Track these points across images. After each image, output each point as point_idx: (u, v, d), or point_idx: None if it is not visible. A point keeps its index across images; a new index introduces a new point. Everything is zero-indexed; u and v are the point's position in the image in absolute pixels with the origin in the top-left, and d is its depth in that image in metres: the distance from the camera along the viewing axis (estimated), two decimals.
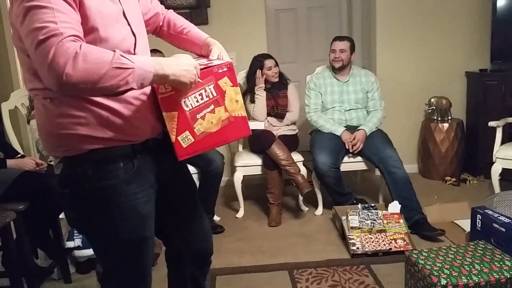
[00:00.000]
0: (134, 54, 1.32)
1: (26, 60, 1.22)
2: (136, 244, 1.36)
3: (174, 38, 1.62)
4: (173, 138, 1.33)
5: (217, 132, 1.38)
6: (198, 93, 1.33)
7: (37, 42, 1.08)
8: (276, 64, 3.52)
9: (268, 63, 3.50)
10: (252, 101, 3.48)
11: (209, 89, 1.34)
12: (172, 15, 1.62)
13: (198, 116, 1.34)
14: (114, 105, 1.26)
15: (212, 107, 1.36)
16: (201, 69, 1.32)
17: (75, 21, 1.14)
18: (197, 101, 1.34)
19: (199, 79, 1.31)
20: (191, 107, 1.33)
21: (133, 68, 1.14)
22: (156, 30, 1.63)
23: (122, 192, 1.30)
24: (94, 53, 1.10)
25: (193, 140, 1.35)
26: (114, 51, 1.14)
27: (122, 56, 1.13)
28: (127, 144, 1.31)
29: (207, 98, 1.35)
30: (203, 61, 1.47)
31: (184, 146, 1.34)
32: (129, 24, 1.32)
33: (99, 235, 1.36)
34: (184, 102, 1.32)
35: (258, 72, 3.46)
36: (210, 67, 1.35)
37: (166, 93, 1.30)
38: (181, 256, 1.60)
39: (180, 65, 1.24)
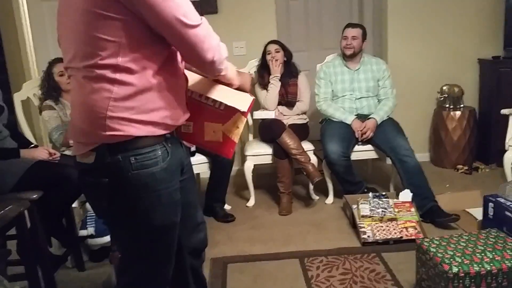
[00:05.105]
0: None
1: (94, 32, 1.20)
2: (169, 229, 1.42)
3: None
4: (236, 139, 1.51)
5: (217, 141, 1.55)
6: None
7: (194, 24, 1.22)
8: (283, 50, 3.47)
9: (269, 47, 3.48)
10: (264, 88, 3.47)
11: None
12: None
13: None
14: (164, 92, 1.30)
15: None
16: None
17: None
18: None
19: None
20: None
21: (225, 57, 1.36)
22: None
23: (161, 180, 1.33)
24: (217, 38, 1.30)
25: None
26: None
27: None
28: (162, 134, 1.34)
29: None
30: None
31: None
32: None
33: (132, 223, 1.36)
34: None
35: (271, 60, 3.44)
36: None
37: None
38: (180, 247, 1.60)
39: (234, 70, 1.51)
